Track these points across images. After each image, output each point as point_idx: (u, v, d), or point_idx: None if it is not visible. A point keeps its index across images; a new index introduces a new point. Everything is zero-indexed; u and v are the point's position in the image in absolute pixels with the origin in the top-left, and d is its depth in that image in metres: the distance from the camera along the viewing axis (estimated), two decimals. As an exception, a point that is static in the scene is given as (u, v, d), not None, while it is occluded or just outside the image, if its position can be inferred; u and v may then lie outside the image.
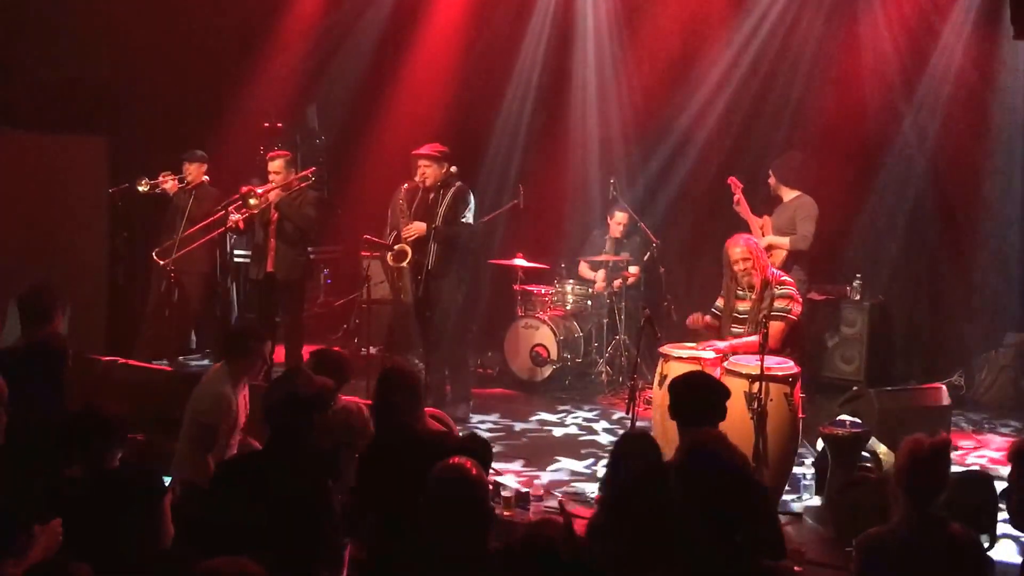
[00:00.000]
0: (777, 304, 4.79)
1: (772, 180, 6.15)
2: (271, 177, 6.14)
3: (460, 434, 3.71)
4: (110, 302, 7.35)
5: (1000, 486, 3.88)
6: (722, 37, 7.08)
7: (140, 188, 6.77)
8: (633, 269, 6.86)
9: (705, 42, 7.12)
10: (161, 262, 6.33)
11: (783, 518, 4.30)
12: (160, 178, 6.81)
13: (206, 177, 6.91)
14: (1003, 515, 3.92)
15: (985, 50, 6.35)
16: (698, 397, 3.27)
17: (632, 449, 3.12)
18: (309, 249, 6.43)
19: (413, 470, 2.76)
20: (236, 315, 7.78)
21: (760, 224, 6.02)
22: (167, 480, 3.49)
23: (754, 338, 4.69)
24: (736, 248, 4.89)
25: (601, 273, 6.91)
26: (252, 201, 5.95)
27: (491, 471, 4.56)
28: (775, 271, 4.99)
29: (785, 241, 5.88)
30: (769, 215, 6.14)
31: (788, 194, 6.09)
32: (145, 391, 4.98)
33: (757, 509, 2.62)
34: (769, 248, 5.70)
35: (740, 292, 4.95)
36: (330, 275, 8.36)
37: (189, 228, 6.46)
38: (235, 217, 6.03)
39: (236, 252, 7.70)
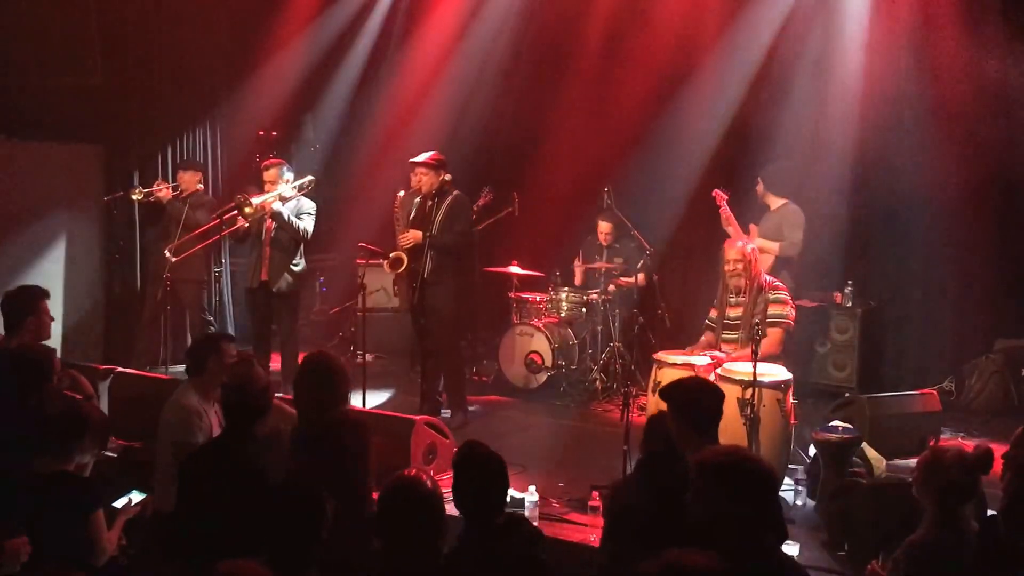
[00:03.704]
0: (772, 310, 4.85)
1: (760, 187, 6.22)
2: (266, 187, 6.16)
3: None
4: (106, 310, 7.37)
5: (991, 492, 3.94)
6: (715, 44, 7.14)
7: (134, 196, 6.78)
8: (641, 277, 6.90)
9: (699, 49, 7.18)
10: (173, 259, 6.32)
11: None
12: (155, 186, 6.83)
13: (200, 185, 6.93)
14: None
15: (978, 53, 6.41)
16: (707, 399, 3.27)
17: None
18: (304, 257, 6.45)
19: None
20: (231, 324, 7.80)
21: (735, 231, 6.09)
22: (141, 496, 3.48)
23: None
24: (732, 249, 4.95)
25: (596, 284, 6.93)
26: (247, 210, 5.97)
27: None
28: (768, 277, 5.04)
29: (774, 246, 5.94)
30: (755, 224, 6.20)
31: (775, 202, 6.17)
32: (142, 400, 4.98)
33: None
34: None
35: (732, 299, 4.99)
36: (325, 283, 8.38)
37: (184, 236, 6.48)
38: (240, 220, 6.03)
39: (231, 260, 7.73)
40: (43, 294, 4.38)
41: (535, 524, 3.86)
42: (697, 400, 3.22)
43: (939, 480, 2.91)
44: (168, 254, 6.38)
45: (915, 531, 2.99)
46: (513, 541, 2.73)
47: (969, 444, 5.65)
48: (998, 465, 4.89)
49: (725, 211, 6.03)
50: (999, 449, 5.35)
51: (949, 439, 5.61)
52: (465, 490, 2.74)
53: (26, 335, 4.18)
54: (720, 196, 6.07)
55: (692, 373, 4.66)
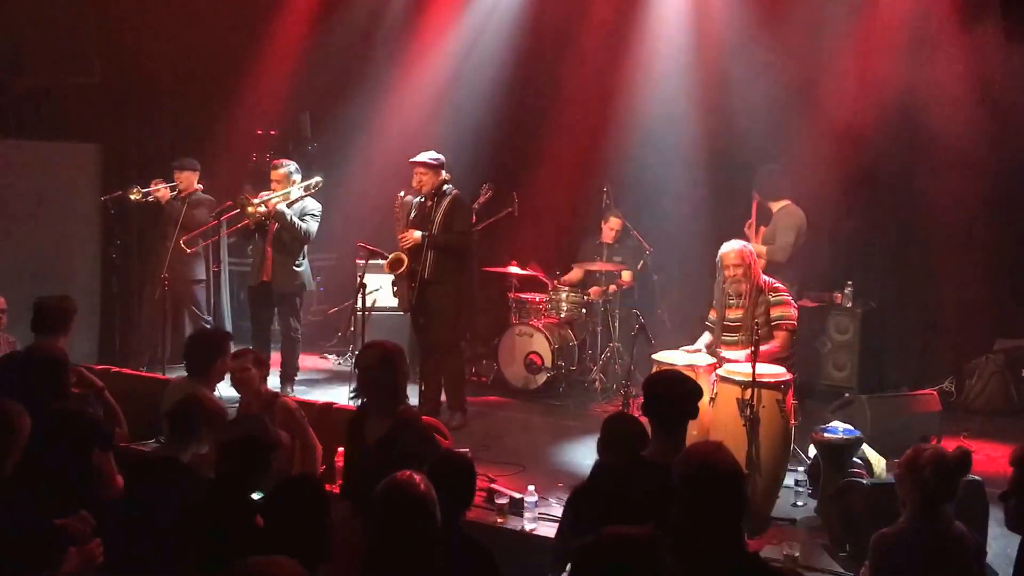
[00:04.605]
0: (775, 313, 4.83)
1: (758, 199, 6.26)
2: (273, 186, 6.14)
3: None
4: (103, 310, 7.35)
5: (991, 491, 3.93)
6: (715, 44, 7.13)
7: (132, 196, 6.76)
8: (627, 276, 6.90)
9: (699, 50, 7.18)
10: (189, 250, 6.35)
11: (777, 523, 4.33)
12: (152, 186, 6.82)
13: (199, 185, 6.92)
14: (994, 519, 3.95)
15: (976, 53, 6.39)
16: (671, 394, 3.29)
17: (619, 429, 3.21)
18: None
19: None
20: (228, 324, 7.78)
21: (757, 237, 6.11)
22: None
23: (767, 346, 4.70)
24: (730, 254, 4.92)
25: (594, 289, 6.95)
26: (249, 209, 5.97)
27: (487, 479, 4.59)
28: (768, 279, 5.02)
29: (763, 250, 5.94)
30: (765, 227, 6.22)
31: (776, 205, 6.18)
32: (139, 400, 4.96)
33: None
34: None
35: (731, 300, 4.97)
36: (323, 283, 8.36)
37: (182, 236, 6.46)
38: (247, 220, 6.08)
39: (229, 260, 7.71)
40: (75, 308, 4.57)
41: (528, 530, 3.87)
42: (672, 395, 3.21)
43: (916, 478, 2.93)
44: (183, 244, 6.37)
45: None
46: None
47: (967, 444, 5.65)
48: (998, 466, 4.89)
49: (752, 224, 6.17)
50: (1000, 449, 5.38)
51: (950, 439, 5.60)
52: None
53: (58, 343, 4.35)
54: (756, 197, 6.25)
55: (692, 374, 4.65)
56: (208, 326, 6.91)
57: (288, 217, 6.03)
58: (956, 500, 3.02)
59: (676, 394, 3.24)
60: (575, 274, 7.14)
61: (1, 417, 2.89)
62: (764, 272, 5.55)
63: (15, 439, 2.90)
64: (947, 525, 2.94)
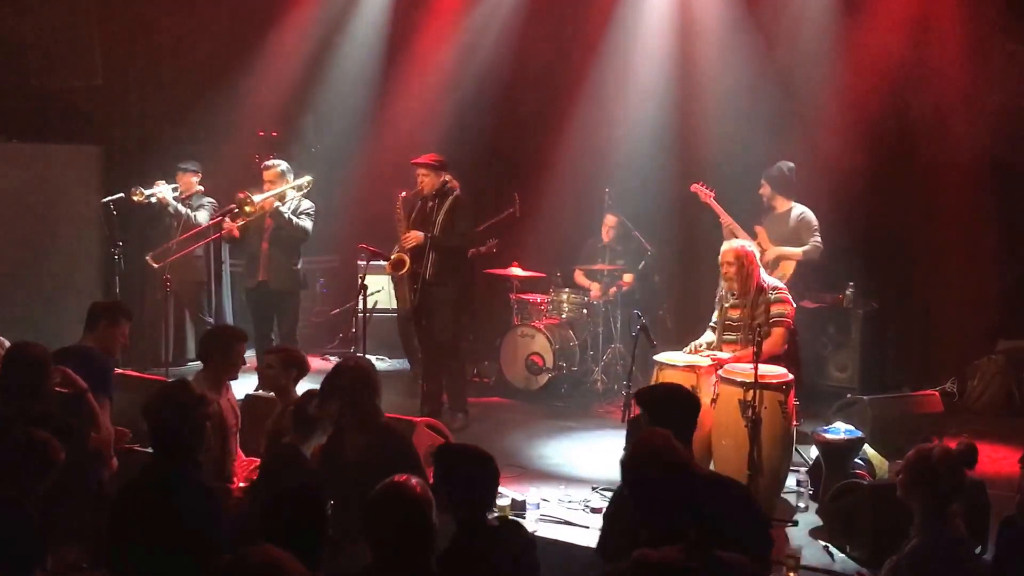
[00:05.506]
0: (774, 310, 4.83)
1: (766, 189, 6.16)
2: (266, 186, 6.16)
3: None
4: (105, 311, 7.35)
5: (993, 492, 3.93)
6: (714, 42, 7.14)
7: (135, 197, 6.77)
8: (628, 277, 6.90)
9: (699, 49, 7.18)
10: (155, 265, 6.35)
11: (777, 524, 4.32)
12: (155, 187, 6.83)
13: (200, 187, 6.93)
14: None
15: (980, 51, 6.39)
16: (677, 406, 3.29)
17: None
18: (303, 258, 6.45)
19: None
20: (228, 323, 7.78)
21: (739, 233, 6.05)
22: None
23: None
24: (728, 252, 4.93)
25: (596, 286, 6.97)
26: (248, 208, 5.99)
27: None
28: (769, 280, 5.01)
29: (798, 252, 5.91)
30: (760, 226, 6.16)
31: (783, 204, 6.12)
32: (139, 401, 4.95)
33: (731, 507, 2.72)
34: (777, 260, 5.76)
35: (734, 301, 4.97)
36: (325, 284, 8.37)
37: (182, 237, 6.48)
38: (229, 224, 6.09)
39: (231, 262, 7.72)
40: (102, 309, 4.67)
41: (531, 531, 3.87)
42: (669, 409, 3.21)
43: (928, 480, 2.88)
44: (150, 259, 6.41)
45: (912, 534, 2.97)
46: (505, 545, 2.72)
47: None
48: (1000, 467, 4.89)
49: (715, 207, 5.99)
50: (1002, 450, 5.38)
51: (951, 441, 5.58)
52: (455, 490, 2.75)
53: (86, 341, 4.48)
54: (703, 192, 6.02)
55: (694, 375, 4.66)
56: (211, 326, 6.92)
57: (286, 214, 6.06)
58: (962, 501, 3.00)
59: (683, 407, 3.27)
60: (579, 276, 7.15)
61: (42, 450, 3.01)
62: (796, 273, 5.54)
63: (51, 472, 3.04)
64: (957, 526, 2.91)
